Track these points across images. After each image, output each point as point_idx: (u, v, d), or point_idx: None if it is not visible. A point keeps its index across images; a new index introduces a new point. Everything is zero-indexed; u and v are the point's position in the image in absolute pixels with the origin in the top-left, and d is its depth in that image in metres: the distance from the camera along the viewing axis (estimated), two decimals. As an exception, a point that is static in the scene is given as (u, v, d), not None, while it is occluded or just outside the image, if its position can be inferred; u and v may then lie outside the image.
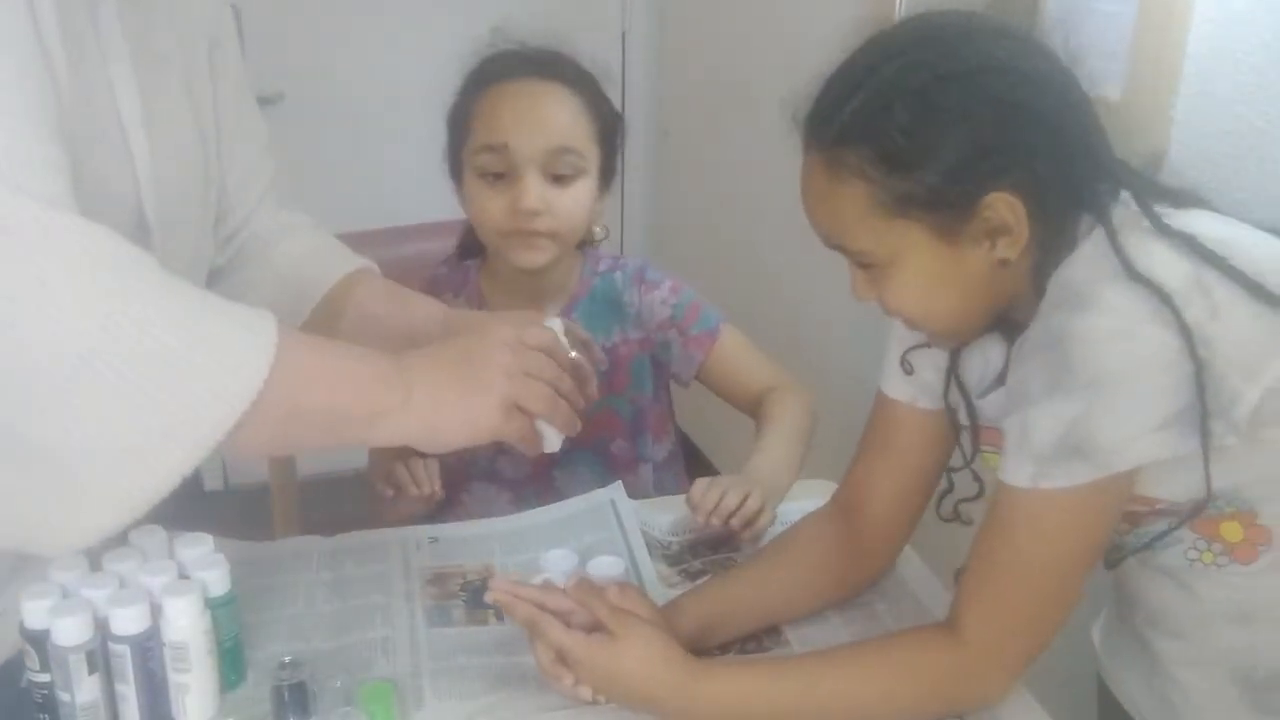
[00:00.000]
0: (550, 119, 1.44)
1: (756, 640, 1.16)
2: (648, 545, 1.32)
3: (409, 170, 2.07)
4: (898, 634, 1.09)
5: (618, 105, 1.55)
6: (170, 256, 1.00)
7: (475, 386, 0.98)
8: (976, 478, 1.16)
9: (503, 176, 1.44)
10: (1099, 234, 0.97)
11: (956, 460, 1.16)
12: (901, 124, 0.95)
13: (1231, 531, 1.01)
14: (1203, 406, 0.91)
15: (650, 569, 1.28)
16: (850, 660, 1.03)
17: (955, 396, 1.14)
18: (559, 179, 1.45)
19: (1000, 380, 1.09)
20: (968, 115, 0.95)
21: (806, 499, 1.30)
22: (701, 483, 1.32)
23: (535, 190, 1.43)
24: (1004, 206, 0.96)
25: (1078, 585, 0.98)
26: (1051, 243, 0.98)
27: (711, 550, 1.34)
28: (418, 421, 0.96)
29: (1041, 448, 0.93)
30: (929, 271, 0.99)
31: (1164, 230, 0.96)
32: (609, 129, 1.51)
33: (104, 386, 0.82)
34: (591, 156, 1.47)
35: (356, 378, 0.95)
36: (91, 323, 0.82)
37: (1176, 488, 0.97)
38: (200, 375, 0.84)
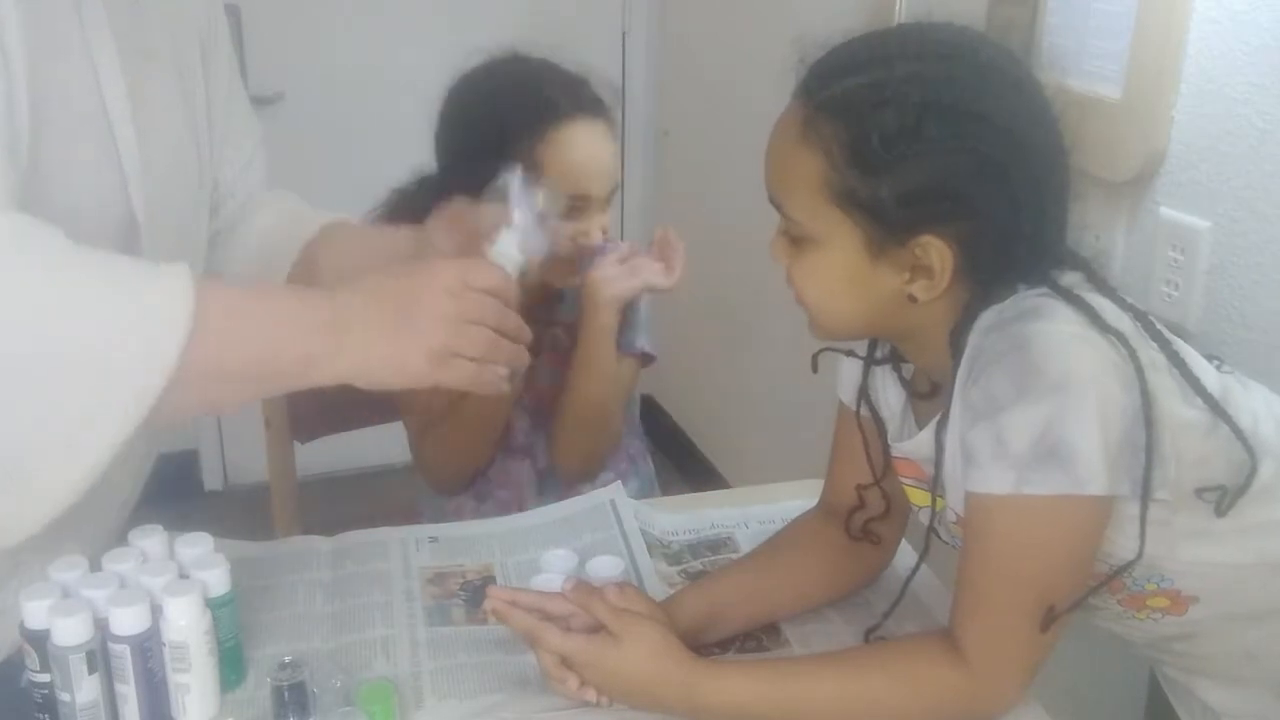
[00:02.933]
0: (611, 162, 1.54)
1: (756, 639, 1.16)
2: (647, 545, 1.33)
3: (409, 170, 2.06)
4: (903, 644, 1.09)
5: (618, 105, 1.59)
6: (159, 253, 1.00)
7: (408, 332, 0.97)
8: (884, 496, 1.16)
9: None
10: (1041, 289, 0.97)
11: (866, 478, 1.16)
12: (884, 127, 0.94)
13: (1158, 602, 1.03)
14: (1148, 429, 0.92)
15: (650, 568, 1.28)
16: (854, 667, 1.02)
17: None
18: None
19: (910, 427, 1.10)
20: (946, 153, 0.94)
21: (802, 498, 1.30)
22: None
23: (602, 226, 1.53)
24: (935, 253, 0.96)
25: (1069, 596, 0.96)
26: (974, 302, 0.98)
27: (712, 550, 1.34)
28: (349, 364, 0.95)
29: (1020, 452, 0.92)
30: (841, 270, 0.99)
31: (1116, 299, 0.98)
32: None
33: (21, 381, 0.83)
34: None
35: (283, 330, 0.95)
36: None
37: (1107, 545, 0.97)
38: (117, 352, 0.85)
